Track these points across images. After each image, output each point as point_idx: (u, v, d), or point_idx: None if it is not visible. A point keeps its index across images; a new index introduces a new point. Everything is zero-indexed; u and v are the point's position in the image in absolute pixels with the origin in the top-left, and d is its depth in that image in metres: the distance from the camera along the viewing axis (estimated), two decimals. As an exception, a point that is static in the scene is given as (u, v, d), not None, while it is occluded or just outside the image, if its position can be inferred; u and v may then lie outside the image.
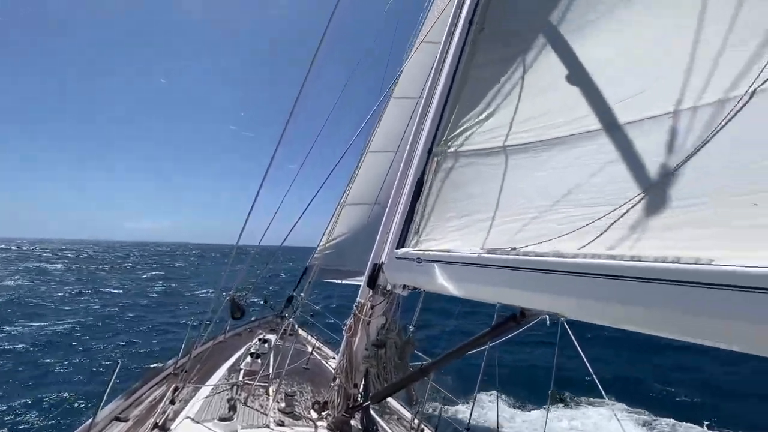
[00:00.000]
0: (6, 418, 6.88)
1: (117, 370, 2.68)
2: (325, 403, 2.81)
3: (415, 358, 2.68)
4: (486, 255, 1.39)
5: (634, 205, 1.09)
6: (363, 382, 2.55)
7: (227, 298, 3.93)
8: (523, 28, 1.96)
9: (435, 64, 2.73)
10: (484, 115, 1.98)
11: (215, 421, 2.59)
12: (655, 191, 1.08)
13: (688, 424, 7.46)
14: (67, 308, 16.86)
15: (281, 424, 2.67)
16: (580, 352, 2.89)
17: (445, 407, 5.01)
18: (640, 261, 1.00)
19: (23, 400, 7.48)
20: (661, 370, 10.18)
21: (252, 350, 3.98)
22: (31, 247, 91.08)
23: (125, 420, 2.85)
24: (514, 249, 1.37)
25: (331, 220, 6.66)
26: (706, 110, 1.09)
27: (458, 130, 2.17)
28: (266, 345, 4.09)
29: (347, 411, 2.53)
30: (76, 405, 7.48)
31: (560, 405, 8.04)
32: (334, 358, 4.64)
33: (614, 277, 1.01)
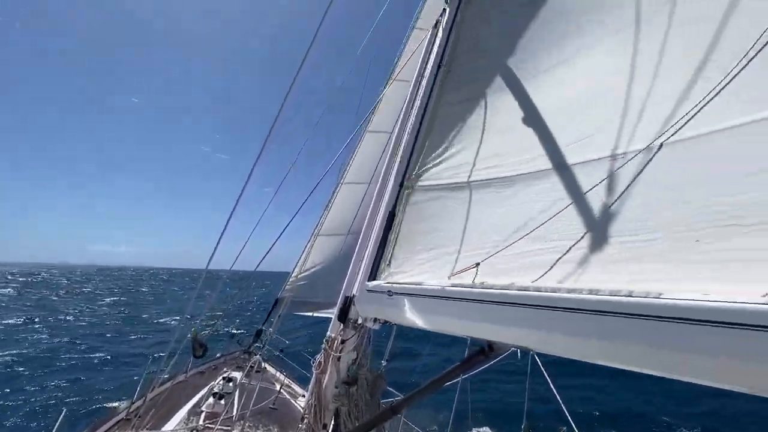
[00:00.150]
0: None
1: (62, 417, 2.44)
2: (292, 446, 2.66)
3: (386, 394, 2.60)
4: (450, 288, 1.41)
5: (578, 241, 1.17)
6: (333, 422, 2.43)
7: (188, 336, 3.72)
8: (486, 72, 2.11)
9: (406, 101, 2.86)
10: (451, 152, 2.08)
11: None
12: (601, 228, 1.16)
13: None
14: (8, 338, 15.28)
15: None
16: (551, 385, 2.91)
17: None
18: (597, 294, 1.04)
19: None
20: (658, 398, 9.65)
21: (215, 390, 3.74)
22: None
23: None
24: (482, 282, 1.40)
25: (304, 250, 6.57)
26: (638, 155, 1.22)
27: (428, 165, 2.25)
28: (231, 384, 3.86)
29: (315, 454, 2.40)
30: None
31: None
32: (303, 396, 4.43)
33: (573, 310, 1.05)
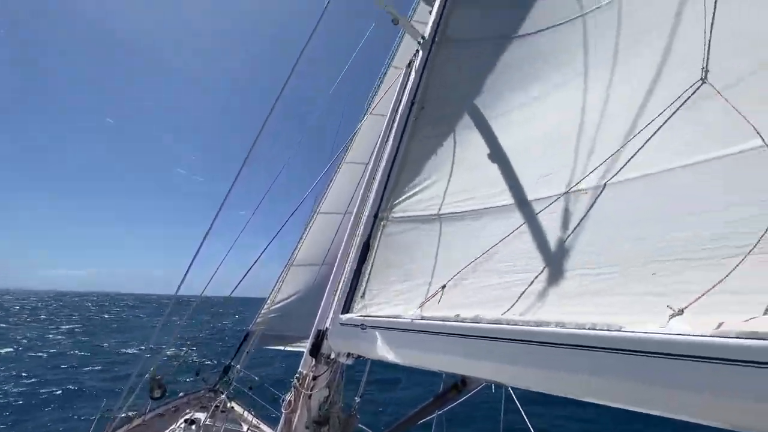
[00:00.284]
0: None
1: None
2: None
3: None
4: (421, 321, 1.41)
5: (538, 274, 1.22)
6: (302, 466, 2.29)
7: (146, 375, 3.46)
8: (456, 110, 2.23)
9: (381, 135, 2.94)
10: (424, 185, 2.15)
11: None
12: (561, 262, 1.22)
13: None
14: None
15: None
16: (526, 420, 2.88)
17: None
18: (561, 327, 1.07)
19: None
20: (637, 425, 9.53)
21: None
22: None
23: None
24: (457, 315, 1.40)
25: (277, 281, 6.39)
26: (587, 193, 1.33)
27: (402, 197, 2.29)
28: (193, 427, 3.61)
29: (283, 502, 2.24)
30: None
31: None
32: (272, 437, 4.17)
33: (537, 343, 1.07)
